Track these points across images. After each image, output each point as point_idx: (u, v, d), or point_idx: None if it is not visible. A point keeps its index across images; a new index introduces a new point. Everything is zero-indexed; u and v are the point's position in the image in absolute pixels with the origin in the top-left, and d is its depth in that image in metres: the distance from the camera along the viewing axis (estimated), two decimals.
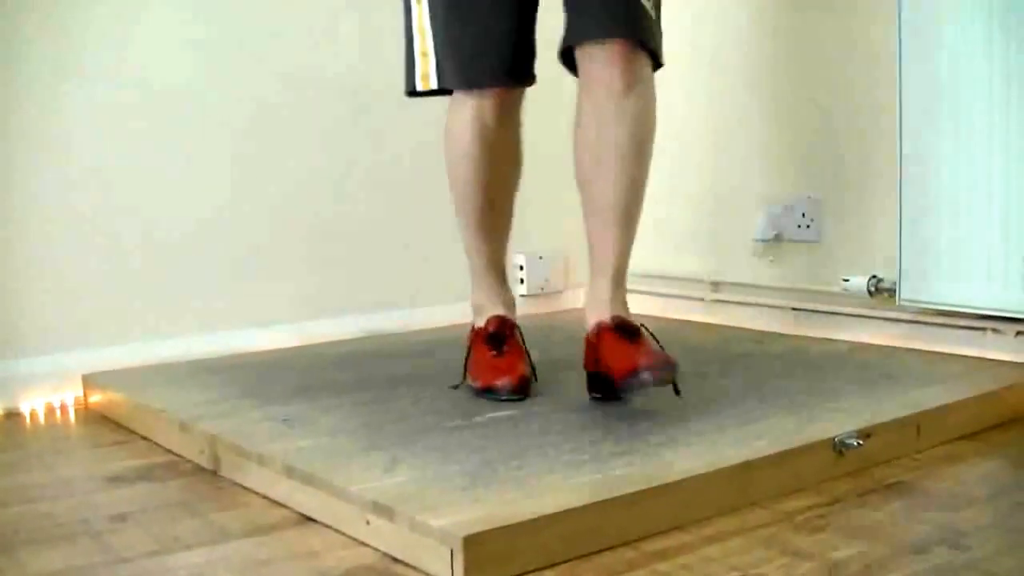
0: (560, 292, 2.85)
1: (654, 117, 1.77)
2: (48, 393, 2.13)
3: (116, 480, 1.65)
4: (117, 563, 1.30)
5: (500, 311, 1.91)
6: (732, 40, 2.51)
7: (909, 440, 1.64)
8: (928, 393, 1.78)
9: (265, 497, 1.53)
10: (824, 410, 1.69)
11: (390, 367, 2.13)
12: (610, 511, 1.31)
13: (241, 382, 2.02)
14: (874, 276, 2.21)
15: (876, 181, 2.22)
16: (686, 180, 2.67)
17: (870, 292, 2.22)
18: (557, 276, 2.84)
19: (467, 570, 1.19)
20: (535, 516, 1.25)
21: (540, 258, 2.79)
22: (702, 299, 2.62)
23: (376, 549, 1.31)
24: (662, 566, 1.24)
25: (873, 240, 2.24)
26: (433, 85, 1.86)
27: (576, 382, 1.90)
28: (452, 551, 1.20)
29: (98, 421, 2.03)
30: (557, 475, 1.40)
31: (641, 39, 1.70)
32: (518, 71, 1.83)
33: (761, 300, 2.49)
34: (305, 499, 1.45)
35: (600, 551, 1.28)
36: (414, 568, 1.25)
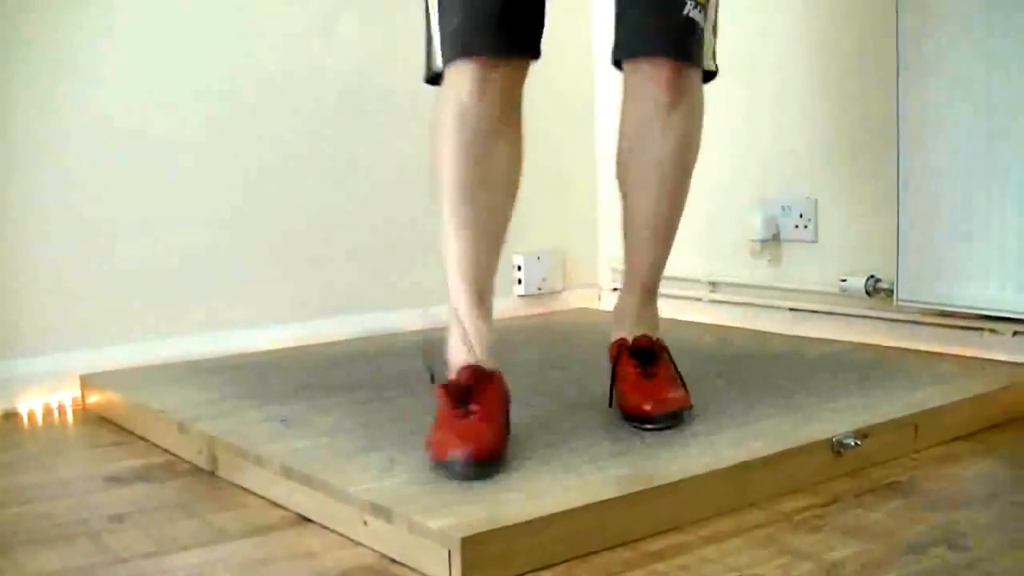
0: (558, 292, 2.85)
1: (699, 133, 1.74)
2: (46, 393, 2.13)
3: (114, 480, 1.64)
4: (115, 563, 1.30)
5: (472, 356, 1.55)
6: (730, 41, 2.51)
7: (907, 440, 1.65)
8: (926, 393, 1.78)
9: (263, 498, 1.53)
10: (821, 410, 1.69)
11: (388, 367, 2.13)
12: (608, 512, 1.31)
13: (239, 382, 2.02)
14: (872, 276, 2.21)
15: (874, 181, 2.22)
16: None
17: (867, 292, 2.22)
18: (555, 276, 2.84)
19: (465, 571, 1.19)
20: (533, 517, 1.25)
21: (538, 258, 2.79)
22: (700, 299, 2.63)
23: (374, 550, 1.31)
24: (660, 566, 1.25)
25: (871, 240, 2.24)
26: (438, 66, 1.62)
27: (574, 383, 1.90)
28: (450, 552, 1.20)
29: (96, 421, 2.03)
30: (555, 476, 1.40)
31: (688, 58, 1.65)
32: (514, 37, 1.58)
33: (759, 300, 2.49)
34: (303, 500, 1.45)
35: (598, 552, 1.28)
36: (412, 569, 1.25)
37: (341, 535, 1.37)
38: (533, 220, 2.74)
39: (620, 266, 2.79)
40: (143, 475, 1.67)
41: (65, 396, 2.15)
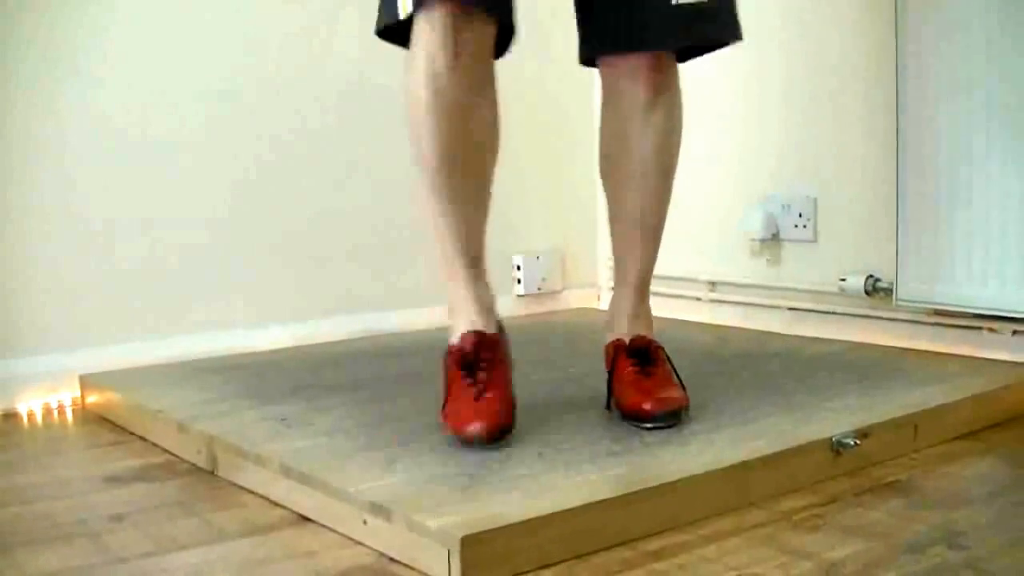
0: (557, 292, 2.85)
1: (680, 128, 1.72)
2: (45, 393, 2.13)
3: (113, 480, 1.64)
4: (114, 563, 1.30)
5: (476, 322, 1.60)
6: None
7: (906, 440, 1.65)
8: (925, 393, 1.78)
9: (263, 497, 1.53)
10: (821, 410, 1.69)
11: (388, 367, 2.13)
12: (607, 511, 1.31)
13: (239, 382, 2.02)
14: (871, 276, 2.21)
15: (873, 181, 2.22)
16: (683, 179, 2.66)
17: (867, 292, 2.22)
18: (554, 276, 2.84)
19: (465, 570, 1.19)
20: (533, 516, 1.25)
21: (537, 258, 2.79)
22: (699, 299, 2.63)
23: (373, 549, 1.31)
24: (659, 566, 1.25)
25: (870, 240, 2.24)
26: (410, 9, 1.53)
27: (573, 382, 1.90)
28: (450, 551, 1.20)
29: (95, 421, 2.03)
30: (555, 475, 1.40)
31: (675, 45, 1.63)
32: None
33: (758, 300, 2.49)
34: (302, 499, 1.45)
35: (597, 551, 1.28)
36: (411, 568, 1.25)
37: (341, 534, 1.37)
38: (532, 220, 2.75)
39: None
40: (142, 475, 1.67)
41: (64, 396, 2.15)
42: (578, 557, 1.27)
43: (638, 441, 1.53)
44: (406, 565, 1.26)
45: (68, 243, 2.17)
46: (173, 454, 1.77)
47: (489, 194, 1.64)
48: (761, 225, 2.43)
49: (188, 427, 1.73)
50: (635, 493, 1.33)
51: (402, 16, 1.54)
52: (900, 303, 2.12)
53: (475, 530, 1.21)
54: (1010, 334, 2.01)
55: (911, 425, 1.65)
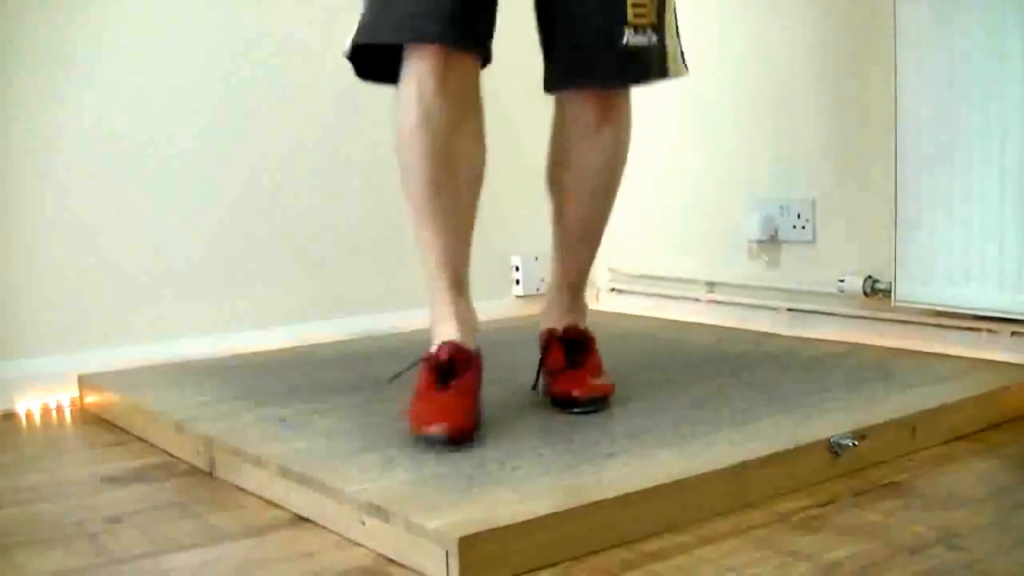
0: None
1: (627, 148, 1.80)
2: (44, 394, 2.13)
3: (112, 481, 1.64)
4: (112, 564, 1.30)
5: (453, 334, 1.66)
6: (728, 41, 2.52)
7: (904, 441, 1.65)
8: (923, 394, 1.78)
9: (261, 498, 1.53)
10: (819, 411, 1.69)
11: (386, 368, 2.12)
12: (605, 512, 1.31)
13: (237, 383, 2.02)
14: (869, 277, 2.21)
15: (872, 182, 2.22)
16: (681, 181, 2.67)
17: (865, 293, 2.22)
18: None
19: (462, 571, 1.19)
20: (531, 517, 1.25)
21: (535, 259, 2.79)
22: (697, 299, 2.63)
23: (371, 550, 1.31)
24: (657, 567, 1.25)
25: (869, 241, 2.24)
26: (361, 39, 1.61)
27: None
28: (447, 552, 1.20)
29: (94, 422, 2.03)
30: (552, 476, 1.40)
31: (618, 83, 1.73)
32: (464, 31, 1.60)
33: (756, 301, 2.49)
34: (301, 500, 1.45)
35: (595, 552, 1.28)
36: (409, 569, 1.26)
37: (339, 535, 1.37)
38: (530, 221, 2.74)
39: (616, 266, 2.81)
40: (141, 475, 1.67)
41: (63, 397, 2.15)
42: (576, 558, 1.27)
43: (635, 442, 1.53)
44: (404, 566, 1.26)
45: (67, 244, 2.17)
46: (171, 455, 1.77)
47: (474, 217, 1.72)
48: (760, 226, 2.44)
49: (186, 428, 1.73)
50: (633, 494, 1.33)
51: (347, 50, 1.64)
52: (898, 304, 2.12)
53: (473, 531, 1.21)
54: (1008, 335, 2.01)
55: (909, 426, 1.65)
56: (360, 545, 1.33)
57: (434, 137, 1.62)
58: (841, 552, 1.27)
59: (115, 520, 1.46)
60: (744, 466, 1.44)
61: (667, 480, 1.37)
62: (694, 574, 1.23)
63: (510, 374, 1.88)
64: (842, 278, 2.26)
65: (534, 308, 2.77)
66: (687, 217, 2.67)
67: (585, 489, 1.34)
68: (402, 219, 2.54)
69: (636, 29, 1.66)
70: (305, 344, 2.41)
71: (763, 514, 1.40)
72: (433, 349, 1.66)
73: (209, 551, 1.34)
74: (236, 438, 1.63)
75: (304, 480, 1.44)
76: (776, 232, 2.44)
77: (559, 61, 1.72)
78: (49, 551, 1.35)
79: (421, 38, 1.59)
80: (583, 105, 1.73)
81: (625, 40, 1.65)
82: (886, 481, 1.53)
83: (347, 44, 1.64)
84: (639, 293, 2.78)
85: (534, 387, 1.81)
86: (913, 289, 2.09)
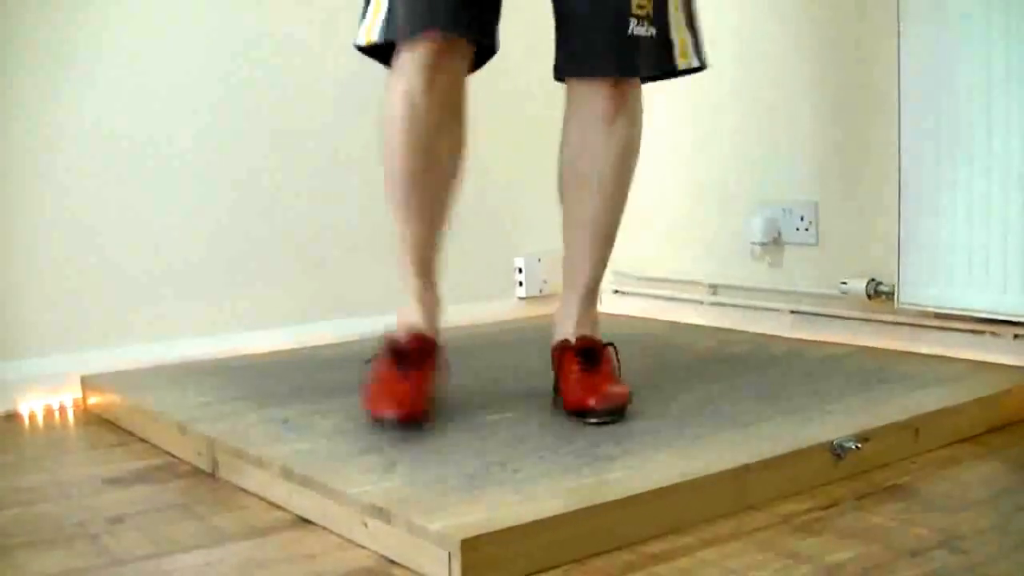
0: (559, 294, 2.84)
1: (639, 141, 1.80)
2: (47, 395, 2.13)
3: (114, 482, 1.65)
4: (114, 565, 1.30)
5: (418, 322, 1.74)
6: (730, 43, 2.51)
7: (907, 443, 1.64)
8: (926, 396, 1.78)
9: (263, 499, 1.53)
10: (822, 413, 1.69)
11: None
12: (607, 514, 1.31)
13: (239, 384, 2.02)
14: (872, 279, 2.21)
15: (875, 184, 2.22)
16: (685, 183, 2.67)
17: (868, 295, 2.22)
18: (555, 278, 2.82)
19: (464, 573, 1.19)
20: (533, 519, 1.25)
21: (538, 260, 2.79)
22: (700, 302, 2.63)
23: (374, 552, 1.31)
24: (659, 569, 1.24)
25: (872, 243, 2.24)
26: (375, 38, 1.70)
27: None
28: (450, 554, 1.20)
29: (96, 423, 2.03)
30: (555, 478, 1.40)
31: (631, 73, 1.73)
32: (459, 18, 1.65)
33: (759, 303, 2.49)
34: (303, 501, 1.45)
35: (597, 554, 1.28)
36: (411, 571, 1.25)
37: (341, 537, 1.37)
38: (534, 222, 2.75)
39: (619, 269, 2.80)
40: (143, 476, 1.67)
41: (66, 397, 2.15)
42: (578, 560, 1.27)
43: (638, 444, 1.53)
44: (406, 568, 1.26)
45: (69, 245, 2.17)
46: (174, 456, 1.77)
47: (448, 212, 1.79)
48: (763, 229, 2.43)
49: (189, 429, 1.73)
50: (635, 496, 1.33)
51: (363, 43, 1.72)
52: (902, 306, 2.12)
53: (475, 533, 1.21)
54: (1011, 338, 2.01)
55: (912, 429, 1.65)
56: (362, 547, 1.33)
57: (418, 135, 1.69)
58: (843, 554, 1.27)
59: (117, 521, 1.46)
60: (746, 468, 1.44)
61: (669, 482, 1.37)
62: None
63: (512, 375, 1.88)
64: (845, 280, 2.26)
65: (537, 309, 2.78)
66: (690, 220, 2.67)
67: (587, 491, 1.34)
68: None
69: (638, 20, 1.68)
70: (308, 345, 2.41)
71: (765, 516, 1.40)
72: (399, 336, 1.72)
73: (211, 552, 1.34)
74: (238, 439, 1.63)
75: (306, 481, 1.44)
76: (779, 234, 2.44)
77: (566, 48, 1.74)
78: (51, 552, 1.35)
79: (422, 28, 1.64)
80: (594, 97, 1.74)
81: (631, 30, 1.67)
82: (888, 484, 1.52)
83: (361, 39, 1.72)
84: (642, 295, 2.78)
85: (554, 403, 1.77)
86: (916, 292, 2.08)
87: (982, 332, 2.05)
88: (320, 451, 1.56)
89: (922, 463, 1.62)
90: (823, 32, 2.33)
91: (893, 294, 2.14)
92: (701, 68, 1.81)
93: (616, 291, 2.85)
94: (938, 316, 2.11)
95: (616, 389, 1.70)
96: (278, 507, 1.49)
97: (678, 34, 1.76)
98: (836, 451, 1.53)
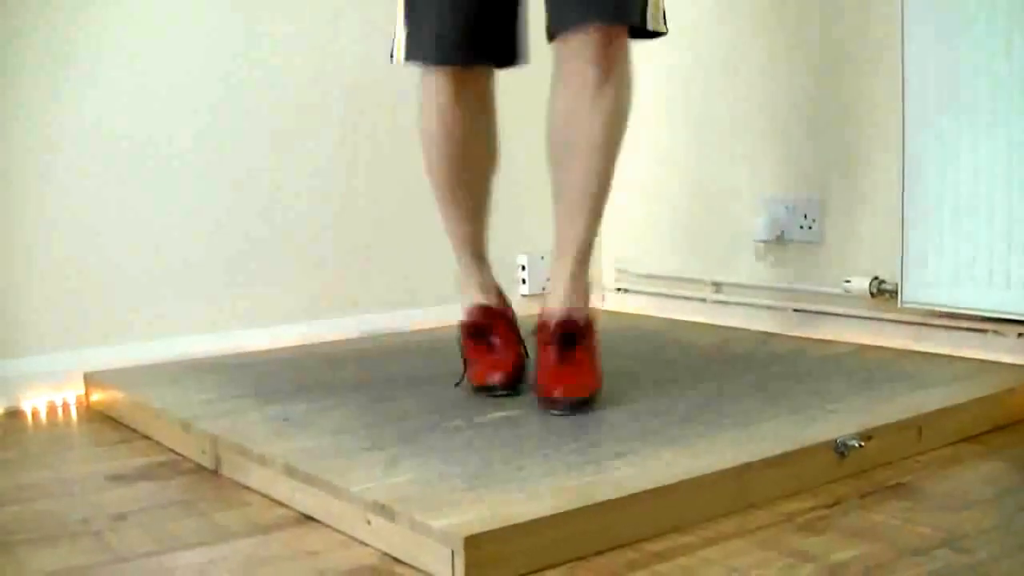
0: None
1: (627, 109, 1.78)
2: (50, 391, 2.13)
3: (117, 479, 1.65)
4: (117, 562, 1.30)
5: (480, 299, 1.93)
6: (735, 39, 2.51)
7: (910, 442, 1.64)
8: (929, 395, 1.78)
9: (266, 496, 1.53)
10: (825, 411, 1.68)
11: (391, 367, 2.13)
12: (610, 512, 1.31)
13: (242, 382, 2.02)
14: (876, 278, 2.21)
15: (879, 182, 2.22)
16: (688, 180, 2.67)
17: (872, 294, 2.22)
18: None
19: (468, 571, 1.19)
20: (536, 517, 1.25)
21: (542, 258, 2.78)
22: (703, 300, 2.62)
23: (377, 549, 1.31)
24: (662, 567, 1.24)
25: (875, 241, 2.24)
26: (401, 59, 1.87)
27: None
28: (453, 552, 1.20)
29: (99, 420, 2.03)
30: (558, 476, 1.40)
31: (621, 19, 1.71)
32: (475, 49, 1.83)
33: (762, 301, 2.49)
34: (306, 499, 1.45)
35: (600, 552, 1.28)
36: (415, 568, 1.25)
37: (344, 534, 1.37)
38: (537, 220, 2.74)
39: (623, 266, 2.81)
40: (146, 474, 1.67)
41: (69, 394, 2.15)
42: (581, 558, 1.27)
43: (641, 442, 1.53)
44: (409, 565, 1.26)
45: (71, 242, 2.17)
46: (177, 453, 1.77)
47: (489, 202, 1.98)
48: (766, 227, 2.43)
49: (192, 426, 1.73)
50: (638, 494, 1.33)
51: (394, 62, 1.88)
52: (905, 305, 2.12)
53: (479, 530, 1.21)
54: (1015, 337, 2.00)
55: (915, 427, 1.65)
56: (365, 544, 1.33)
57: (453, 141, 1.88)
58: (846, 553, 1.26)
59: (120, 518, 1.46)
60: (749, 467, 1.44)
61: (672, 480, 1.37)
62: (699, 575, 1.22)
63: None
64: (848, 279, 2.26)
65: (540, 307, 2.77)
66: (693, 217, 2.67)
67: (590, 489, 1.34)
68: (408, 218, 2.56)
69: None
70: (311, 343, 2.41)
71: (768, 515, 1.40)
72: (464, 315, 1.93)
73: (214, 549, 1.34)
74: (241, 436, 1.63)
75: (309, 479, 1.44)
76: (782, 232, 2.43)
77: (554, 5, 1.73)
78: (54, 548, 1.35)
79: (436, 63, 1.83)
80: (583, 56, 1.71)
81: None
82: (892, 482, 1.52)
83: (393, 57, 1.88)
84: (645, 293, 2.78)
85: (526, 355, 1.89)
86: (919, 290, 2.08)
87: (985, 331, 2.05)
88: (323, 448, 1.56)
89: (925, 462, 1.62)
90: (828, 28, 2.32)
91: (896, 293, 2.13)
92: (663, 34, 1.80)
93: (619, 288, 2.85)
94: (941, 315, 2.11)
95: (583, 381, 1.72)
96: (281, 504, 1.49)
97: None
98: (839, 450, 1.53)
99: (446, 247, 2.00)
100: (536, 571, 1.24)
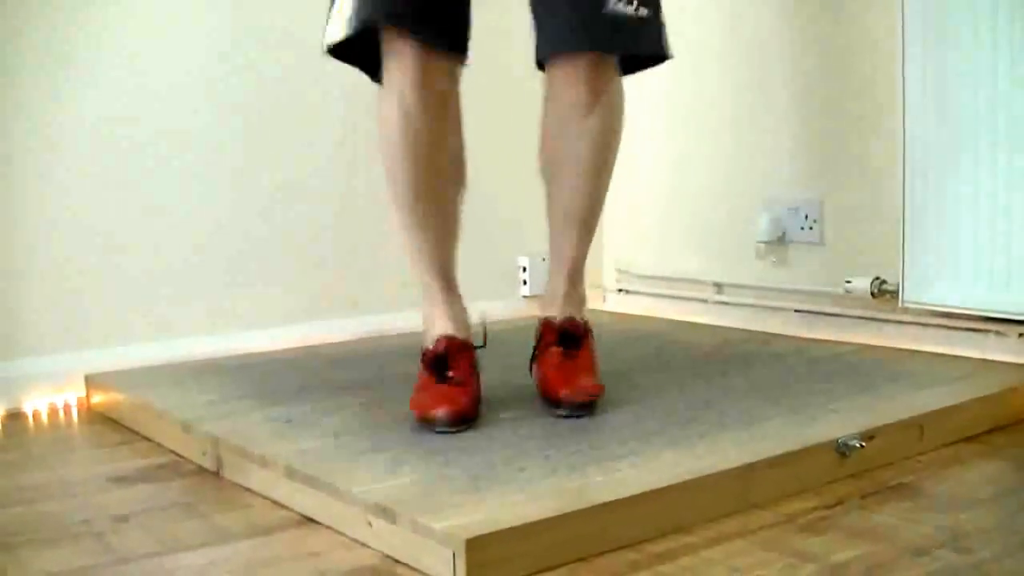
0: None
1: (619, 130, 1.78)
2: (51, 393, 2.13)
3: (118, 481, 1.65)
4: (118, 564, 1.30)
5: (448, 329, 1.74)
6: (736, 40, 2.51)
7: (912, 442, 1.64)
8: (931, 395, 1.78)
9: (267, 498, 1.53)
10: (826, 412, 1.68)
11: (392, 368, 2.13)
12: (612, 513, 1.30)
13: (243, 383, 2.02)
14: (877, 278, 2.21)
15: (880, 183, 2.22)
16: (689, 181, 2.67)
17: (873, 294, 2.21)
18: None
19: (469, 572, 1.19)
20: (537, 518, 1.25)
21: (542, 260, 2.78)
22: (705, 300, 2.62)
23: (378, 551, 1.31)
24: (664, 568, 1.24)
25: (876, 242, 2.23)
26: (345, 32, 1.71)
27: None
28: (454, 553, 1.20)
29: (100, 421, 2.03)
30: (559, 477, 1.40)
31: (606, 49, 1.70)
32: (425, 21, 1.67)
33: (764, 302, 2.49)
34: (307, 500, 1.45)
35: (602, 553, 1.28)
36: (416, 570, 1.25)
37: (345, 536, 1.37)
38: (537, 221, 2.74)
39: (624, 267, 2.81)
40: (147, 475, 1.67)
41: (70, 396, 2.15)
42: (583, 559, 1.27)
43: (643, 443, 1.53)
44: (411, 567, 1.26)
45: (72, 243, 2.17)
46: (178, 455, 1.77)
47: (458, 220, 1.80)
48: (767, 227, 2.43)
49: (193, 428, 1.73)
50: (640, 495, 1.33)
51: (340, 38, 1.72)
52: (906, 305, 2.12)
53: (480, 532, 1.21)
54: (1016, 336, 2.00)
55: (917, 427, 1.65)
56: (367, 546, 1.33)
57: (418, 145, 1.70)
58: (848, 553, 1.26)
59: (121, 519, 1.46)
60: (751, 467, 1.44)
61: (674, 481, 1.37)
62: (701, 575, 1.22)
63: (516, 375, 1.87)
64: (849, 279, 2.26)
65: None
66: (695, 218, 2.67)
67: (592, 490, 1.34)
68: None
69: None
70: (312, 344, 2.41)
71: (770, 515, 1.40)
72: (429, 344, 1.74)
73: (215, 551, 1.34)
74: (243, 438, 1.63)
75: (311, 481, 1.44)
76: (784, 233, 2.43)
77: (544, 29, 1.72)
78: (55, 550, 1.35)
79: (391, 23, 1.66)
80: (571, 85, 1.71)
81: (609, 6, 1.64)
82: (893, 482, 1.52)
83: (327, 39, 1.74)
84: (647, 294, 2.78)
85: (530, 369, 1.82)
86: (921, 290, 2.08)
87: (986, 331, 2.05)
88: (324, 450, 1.56)
89: (927, 462, 1.61)
90: (829, 30, 2.32)
91: (897, 293, 2.13)
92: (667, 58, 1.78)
93: (621, 290, 2.85)
94: (942, 315, 2.10)
95: (588, 383, 1.72)
96: (282, 506, 1.49)
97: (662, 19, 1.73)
98: (841, 450, 1.53)
99: None
100: (538, 572, 1.24)
